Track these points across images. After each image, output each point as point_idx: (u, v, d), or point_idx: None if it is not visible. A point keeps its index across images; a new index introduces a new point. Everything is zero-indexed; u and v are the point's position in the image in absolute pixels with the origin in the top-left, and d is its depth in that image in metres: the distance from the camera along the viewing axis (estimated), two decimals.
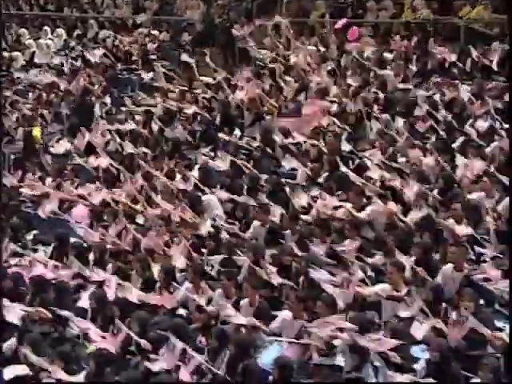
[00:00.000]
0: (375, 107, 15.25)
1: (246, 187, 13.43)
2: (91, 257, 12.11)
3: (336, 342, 8.98)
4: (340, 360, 8.88)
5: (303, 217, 12.24)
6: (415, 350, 9.02)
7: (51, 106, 18.27)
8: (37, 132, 17.22)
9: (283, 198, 12.89)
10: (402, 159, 13.34)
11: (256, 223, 12.33)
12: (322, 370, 8.52)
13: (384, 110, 15.20)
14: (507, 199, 11.47)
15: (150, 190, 13.72)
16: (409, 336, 9.12)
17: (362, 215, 11.82)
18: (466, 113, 14.65)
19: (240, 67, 18.23)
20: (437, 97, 15.23)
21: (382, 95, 15.64)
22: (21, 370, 9.37)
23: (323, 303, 9.62)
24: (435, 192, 12.26)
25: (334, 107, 15.55)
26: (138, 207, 13.50)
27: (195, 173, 14.38)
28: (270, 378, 8.85)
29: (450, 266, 10.26)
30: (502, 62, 15.90)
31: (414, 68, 16.60)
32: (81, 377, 9.24)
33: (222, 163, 14.57)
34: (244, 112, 16.33)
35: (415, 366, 8.37)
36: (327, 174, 13.49)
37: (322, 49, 18.12)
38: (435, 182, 12.67)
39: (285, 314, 9.98)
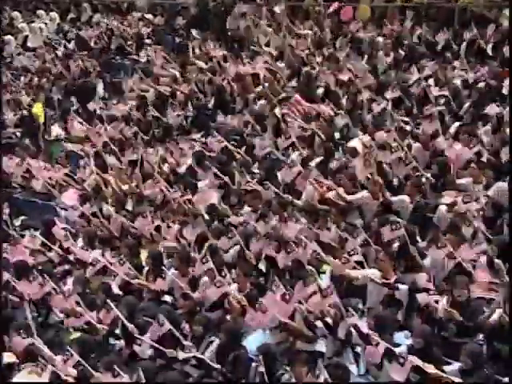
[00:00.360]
0: (368, 91, 15.12)
1: (237, 172, 13.33)
2: (80, 242, 12.09)
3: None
4: (321, 346, 8.85)
5: (295, 201, 12.16)
6: (399, 337, 8.96)
7: (43, 90, 18.20)
8: (38, 109, 16.89)
9: (275, 183, 12.80)
10: (394, 144, 13.21)
11: (247, 208, 12.25)
12: (304, 355, 8.46)
13: (377, 94, 15.06)
14: (498, 184, 11.37)
15: (141, 175, 13.65)
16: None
17: (351, 198, 11.69)
18: (460, 97, 14.52)
19: (234, 51, 18.10)
20: (431, 81, 15.11)
21: (375, 79, 15.52)
22: (8, 358, 9.36)
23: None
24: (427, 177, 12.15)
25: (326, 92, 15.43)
26: (129, 189, 13.45)
27: (188, 158, 14.29)
28: (254, 364, 8.81)
29: (441, 252, 10.13)
30: (497, 46, 15.77)
31: (406, 52, 16.46)
32: None
33: (214, 148, 14.47)
34: (236, 97, 16.24)
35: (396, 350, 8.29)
36: (320, 158, 13.39)
37: (317, 32, 18.00)
38: (428, 167, 12.56)
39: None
